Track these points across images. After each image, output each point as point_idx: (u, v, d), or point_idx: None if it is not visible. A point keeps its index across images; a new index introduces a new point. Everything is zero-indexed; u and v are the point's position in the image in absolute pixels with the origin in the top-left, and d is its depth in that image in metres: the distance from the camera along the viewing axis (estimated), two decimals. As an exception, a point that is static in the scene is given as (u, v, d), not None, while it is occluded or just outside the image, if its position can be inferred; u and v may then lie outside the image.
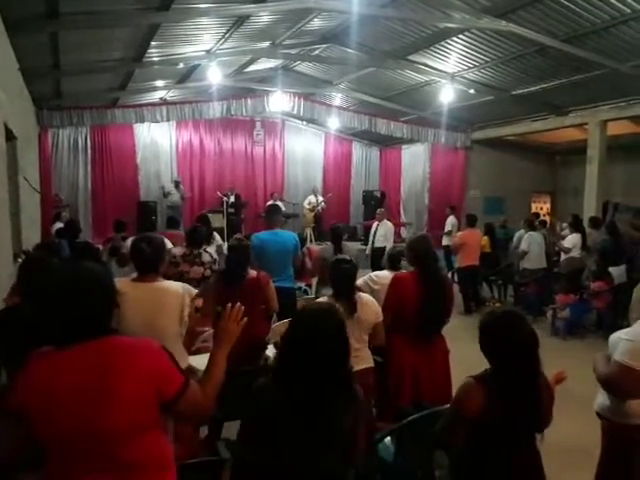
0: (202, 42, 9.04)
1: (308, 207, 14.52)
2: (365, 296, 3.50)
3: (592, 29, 7.32)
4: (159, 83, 11.52)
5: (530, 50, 8.37)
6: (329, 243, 5.77)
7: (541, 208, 14.75)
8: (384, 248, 7.84)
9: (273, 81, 12.03)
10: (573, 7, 6.84)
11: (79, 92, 10.59)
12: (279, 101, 11.82)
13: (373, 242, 9.63)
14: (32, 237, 7.61)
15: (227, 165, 15.38)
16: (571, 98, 10.24)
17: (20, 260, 3.42)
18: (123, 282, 2.72)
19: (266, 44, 10.08)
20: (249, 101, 11.78)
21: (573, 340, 7.23)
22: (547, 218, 12.75)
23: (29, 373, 1.64)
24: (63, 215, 10.28)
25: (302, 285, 6.62)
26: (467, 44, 8.73)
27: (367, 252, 9.74)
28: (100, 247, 6.24)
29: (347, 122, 13.04)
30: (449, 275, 8.27)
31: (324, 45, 10.40)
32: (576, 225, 8.39)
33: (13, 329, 2.30)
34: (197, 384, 1.81)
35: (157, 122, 12.06)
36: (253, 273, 3.97)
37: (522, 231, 9.03)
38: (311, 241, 13.56)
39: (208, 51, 9.45)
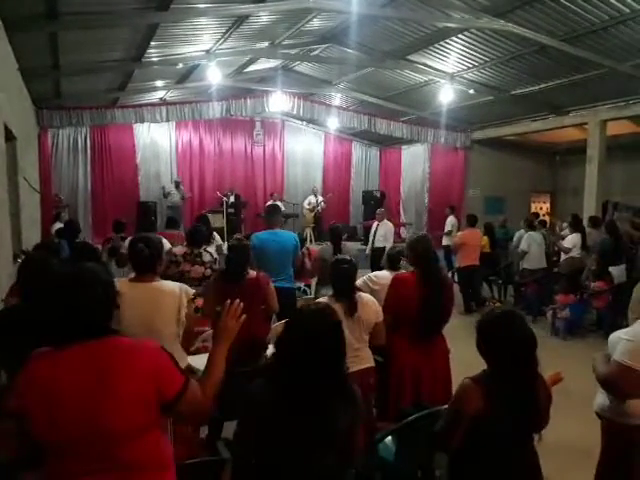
0: (201, 42, 9.04)
1: (308, 207, 14.52)
2: (365, 296, 3.50)
3: (591, 29, 7.32)
4: (159, 83, 11.52)
5: (529, 50, 8.37)
6: (328, 243, 5.77)
7: (541, 208, 14.74)
8: (384, 248, 7.84)
9: (273, 81, 12.03)
10: (572, 7, 6.84)
11: (79, 92, 10.59)
12: (279, 101, 11.82)
13: (373, 242, 9.63)
14: (32, 237, 7.61)
15: (227, 165, 15.39)
16: (570, 98, 10.24)
17: (20, 260, 3.42)
18: (121, 282, 2.72)
19: (265, 44, 10.07)
20: (249, 101, 11.78)
21: (573, 340, 7.23)
22: (547, 218, 12.75)
23: (29, 374, 1.64)
24: (63, 215, 10.28)
25: (301, 285, 6.62)
26: (466, 44, 8.73)
27: (367, 252, 9.73)
28: (99, 247, 6.23)
29: (347, 122, 13.03)
30: (449, 275, 8.27)
31: (324, 45, 10.40)
32: (576, 225, 8.39)
33: (12, 329, 2.29)
34: (197, 384, 1.81)
35: (157, 122, 12.06)
36: (253, 273, 3.97)
37: (522, 231, 9.03)
38: (311, 241, 13.56)
39: (207, 51, 9.45)
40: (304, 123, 16.17)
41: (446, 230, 11.20)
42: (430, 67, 10.03)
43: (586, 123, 10.52)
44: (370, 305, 3.43)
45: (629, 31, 7.22)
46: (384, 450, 2.79)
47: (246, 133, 15.72)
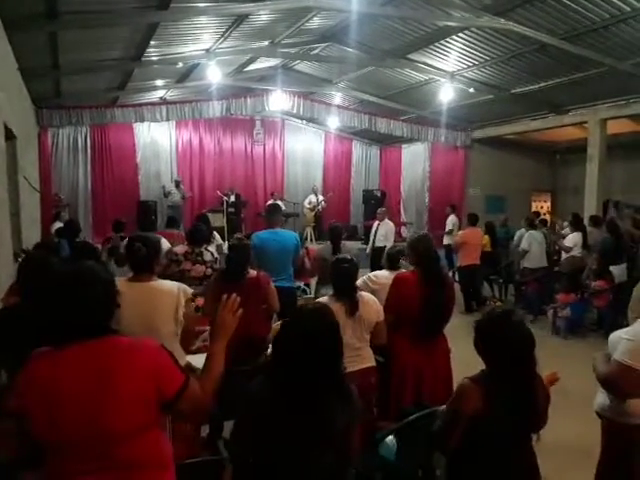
0: (201, 41, 9.04)
1: (308, 206, 14.51)
2: (366, 295, 3.50)
3: (592, 27, 7.31)
4: (158, 82, 11.52)
5: (529, 48, 8.36)
6: (328, 243, 5.76)
7: (541, 207, 14.73)
8: (384, 248, 7.82)
9: (273, 80, 12.03)
10: (572, 5, 6.83)
11: (78, 91, 10.58)
12: (279, 100, 11.81)
13: (374, 242, 9.62)
14: (32, 236, 7.61)
15: (227, 164, 15.39)
16: (571, 96, 10.23)
17: (20, 259, 3.42)
18: (119, 282, 2.72)
19: (265, 43, 10.07)
20: (249, 100, 11.76)
21: (574, 339, 7.22)
22: (547, 217, 12.75)
23: (29, 373, 1.64)
24: (62, 215, 10.28)
25: (300, 284, 6.62)
26: (467, 43, 8.72)
27: (367, 251, 9.73)
28: (99, 247, 6.23)
29: (347, 121, 13.02)
30: (450, 274, 8.26)
31: (324, 44, 10.40)
32: (576, 224, 8.38)
33: (12, 329, 2.29)
34: (196, 381, 1.81)
35: (157, 121, 12.05)
36: (253, 273, 3.97)
37: (523, 230, 9.02)
38: (311, 240, 13.56)
39: (207, 50, 9.44)
40: (304, 122, 16.16)
41: (447, 229, 11.19)
42: (430, 66, 10.03)
43: (586, 122, 10.51)
44: (371, 304, 3.43)
45: (629, 29, 7.21)
46: (385, 449, 2.79)
47: (246, 132, 15.71)
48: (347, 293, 3.34)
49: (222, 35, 8.79)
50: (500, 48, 8.66)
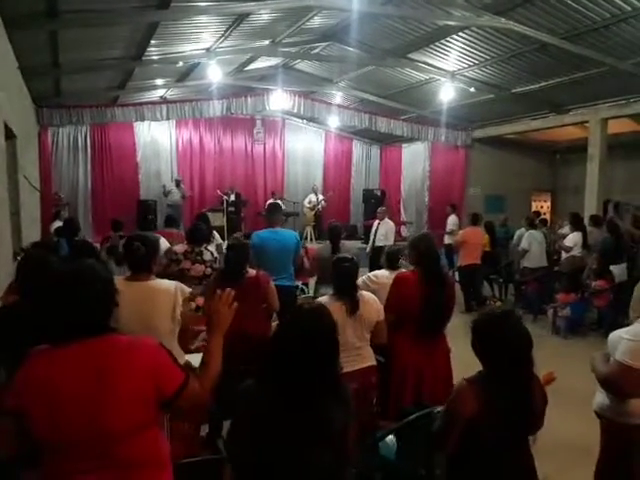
0: (202, 40, 9.03)
1: (308, 206, 14.51)
2: (367, 294, 3.50)
3: (592, 27, 7.30)
4: (159, 81, 11.51)
5: (530, 48, 8.35)
6: (328, 242, 5.76)
7: (541, 206, 14.72)
8: (385, 247, 7.82)
9: (273, 79, 12.02)
10: (573, 4, 6.82)
11: (79, 90, 10.58)
12: (279, 99, 11.80)
13: (374, 241, 9.62)
14: (32, 236, 7.61)
15: (227, 164, 15.39)
16: (571, 96, 10.22)
17: (19, 258, 3.42)
18: (117, 281, 2.72)
19: (266, 42, 10.06)
20: (249, 99, 11.75)
21: (574, 339, 7.22)
22: (547, 216, 12.74)
23: (27, 372, 1.64)
24: (62, 214, 10.26)
25: (298, 284, 6.62)
26: (467, 42, 8.71)
27: (367, 251, 9.72)
28: (98, 246, 6.23)
29: (347, 120, 13.01)
30: (450, 274, 8.26)
31: (324, 43, 10.39)
32: (576, 223, 8.37)
33: (10, 328, 2.29)
34: (195, 378, 1.81)
35: (157, 121, 12.05)
36: (253, 272, 3.97)
37: (523, 229, 9.02)
38: (311, 240, 13.56)
39: (208, 49, 9.44)
40: (304, 121, 16.15)
41: (447, 229, 11.18)
42: (431, 65, 10.02)
43: (587, 121, 10.50)
44: (371, 303, 3.43)
45: (630, 29, 7.20)
46: (385, 449, 2.79)
47: (246, 131, 15.71)
48: (348, 292, 3.34)
49: (222, 34, 8.79)
50: (500, 47, 8.65)
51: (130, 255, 2.95)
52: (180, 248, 4.92)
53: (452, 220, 11.24)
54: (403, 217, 15.95)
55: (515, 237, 9.29)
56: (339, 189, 16.46)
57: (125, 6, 6.73)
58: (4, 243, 5.53)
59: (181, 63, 9.98)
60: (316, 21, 9.08)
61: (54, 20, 6.40)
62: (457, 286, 7.45)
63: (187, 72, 10.83)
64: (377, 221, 9.87)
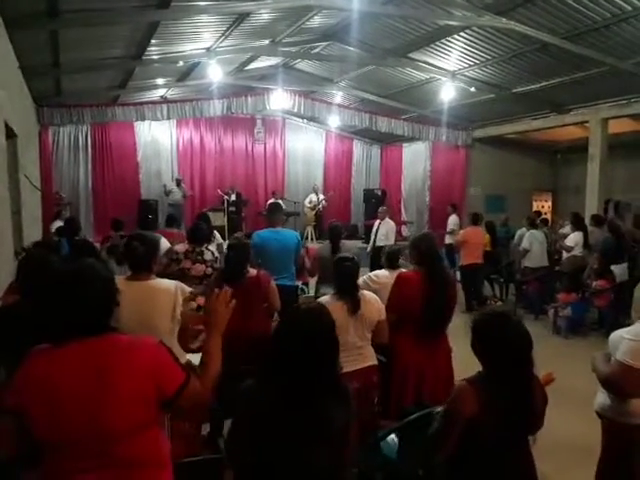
0: (202, 40, 9.03)
1: (309, 205, 14.52)
2: (368, 294, 3.50)
3: (593, 26, 7.30)
4: (159, 81, 11.51)
5: (531, 48, 8.35)
6: (328, 242, 5.76)
7: (542, 206, 14.72)
8: (385, 247, 7.82)
9: (273, 79, 12.01)
10: (574, 4, 6.81)
11: (79, 90, 10.58)
12: (280, 99, 11.79)
13: (374, 241, 9.62)
14: (33, 235, 7.61)
15: (228, 163, 15.38)
16: (572, 96, 10.21)
17: (20, 258, 3.42)
18: (117, 280, 2.72)
19: (266, 42, 10.06)
20: (249, 99, 11.75)
21: (575, 338, 7.22)
22: (548, 216, 12.72)
23: (27, 371, 1.63)
24: (63, 213, 10.26)
25: (298, 284, 6.62)
26: (468, 42, 8.71)
27: (368, 250, 9.72)
28: (98, 245, 6.23)
29: (348, 120, 13.00)
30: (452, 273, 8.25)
31: (325, 43, 10.39)
32: (577, 223, 8.37)
33: (11, 327, 2.29)
34: (196, 378, 1.81)
35: (158, 120, 12.04)
36: (253, 272, 3.97)
37: (524, 229, 9.02)
38: (312, 240, 13.56)
39: (208, 49, 9.44)
40: (305, 121, 16.14)
41: (448, 229, 11.17)
42: (431, 65, 10.01)
43: (587, 121, 10.49)
44: (373, 303, 3.43)
45: (631, 29, 7.20)
46: (386, 448, 2.79)
47: (247, 131, 15.71)
48: (349, 292, 3.35)
49: (223, 34, 8.78)
50: (501, 47, 8.64)
51: (130, 255, 2.95)
52: (181, 248, 4.92)
53: (453, 220, 11.23)
54: (404, 217, 15.94)
55: (516, 237, 9.28)
56: (340, 189, 16.45)
57: (125, 5, 6.73)
58: (5, 242, 5.53)
59: (181, 62, 9.97)
60: (316, 21, 9.07)
61: (55, 20, 6.39)
62: (458, 286, 7.48)
63: (187, 71, 10.82)
64: (378, 221, 9.87)
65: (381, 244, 9.07)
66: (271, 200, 11.83)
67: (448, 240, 10.89)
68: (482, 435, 2.07)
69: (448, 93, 10.13)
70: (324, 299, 3.37)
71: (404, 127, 12.86)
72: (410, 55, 9.79)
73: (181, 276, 4.36)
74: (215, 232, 6.82)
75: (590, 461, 2.73)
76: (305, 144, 16.49)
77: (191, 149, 14.96)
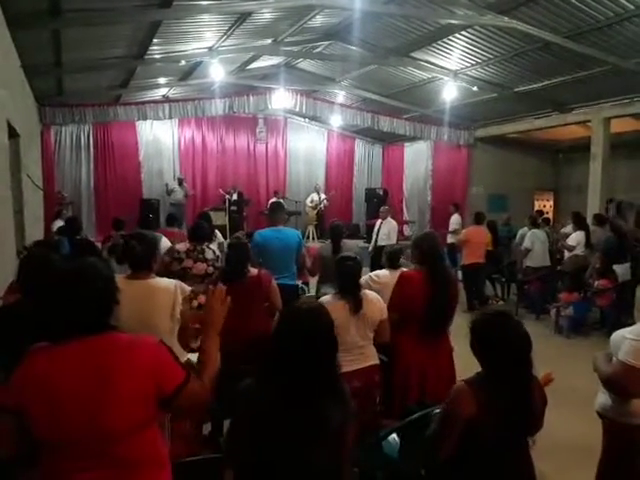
0: (204, 39, 9.03)
1: (310, 205, 14.52)
2: (370, 293, 3.50)
3: (595, 26, 7.28)
4: (161, 80, 11.52)
5: (533, 47, 8.33)
6: (329, 241, 5.75)
7: (544, 206, 14.70)
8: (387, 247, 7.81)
9: (275, 78, 12.01)
10: (576, 3, 6.80)
11: (81, 89, 10.60)
12: (281, 98, 11.79)
13: (376, 240, 9.60)
14: (35, 234, 7.62)
15: (229, 163, 15.39)
16: (574, 95, 10.19)
17: (21, 257, 3.42)
18: (117, 279, 2.72)
19: (268, 41, 10.05)
20: (251, 98, 11.75)
21: (577, 338, 7.21)
22: (550, 216, 12.71)
23: (26, 369, 1.63)
24: (64, 213, 10.26)
25: (298, 283, 6.61)
26: (470, 41, 8.69)
27: (370, 250, 9.71)
28: (99, 245, 6.24)
29: (349, 119, 12.99)
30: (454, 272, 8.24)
31: (326, 42, 10.38)
32: (579, 223, 8.36)
33: (11, 327, 2.29)
34: (195, 377, 1.81)
35: (159, 119, 12.06)
36: (254, 271, 3.97)
37: (525, 229, 9.00)
38: (313, 239, 13.56)
39: (210, 48, 9.44)
40: (307, 120, 16.13)
41: (451, 228, 11.14)
42: (433, 64, 10.00)
43: (590, 120, 10.47)
44: (375, 302, 3.43)
45: (634, 28, 7.18)
46: (388, 448, 2.79)
47: (249, 130, 15.71)
48: (351, 291, 3.35)
49: (225, 33, 8.78)
50: (503, 46, 8.63)
51: (128, 254, 2.96)
52: (182, 247, 4.91)
53: (455, 219, 11.21)
54: (406, 216, 15.93)
55: (518, 236, 9.27)
56: (341, 188, 16.45)
57: (127, 5, 6.74)
58: (8, 241, 5.54)
59: (183, 62, 9.97)
60: (318, 20, 9.07)
61: (57, 19, 6.40)
62: (460, 285, 7.47)
63: (189, 71, 10.83)
64: (380, 220, 9.86)
65: (383, 244, 9.05)
66: (273, 199, 11.84)
67: (450, 239, 10.88)
68: (481, 436, 2.06)
69: (450, 92, 10.12)
70: (326, 298, 3.37)
71: (406, 126, 12.85)
72: (412, 54, 9.78)
73: (183, 275, 4.36)
74: (216, 231, 6.82)
75: (591, 461, 2.72)
76: (307, 143, 16.48)
77: (193, 148, 14.97)
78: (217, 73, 9.59)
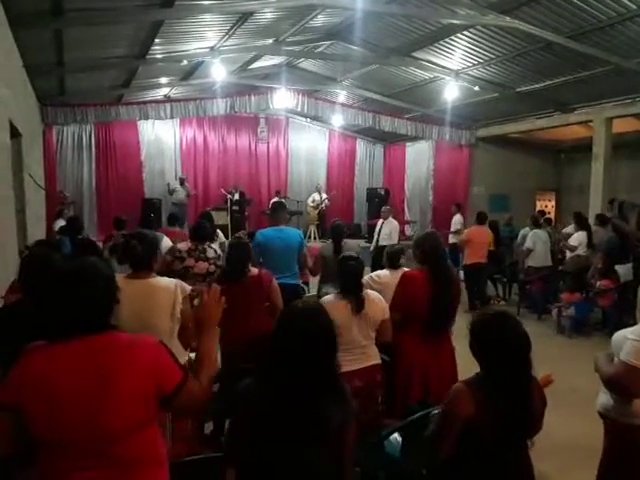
0: (206, 39, 9.04)
1: (312, 205, 14.52)
2: (372, 293, 3.50)
3: (597, 25, 7.28)
4: (163, 80, 11.53)
5: (535, 47, 8.33)
6: (330, 241, 5.75)
7: (546, 206, 14.68)
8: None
9: (277, 78, 12.02)
10: (578, 3, 6.80)
11: (83, 89, 10.61)
12: (283, 98, 11.80)
13: (378, 240, 9.60)
14: (37, 234, 7.63)
15: (231, 162, 15.41)
16: (576, 95, 10.18)
17: (23, 256, 3.43)
18: (118, 278, 2.73)
19: (270, 41, 10.06)
20: (253, 98, 11.75)
21: (579, 338, 7.19)
22: (552, 216, 12.69)
23: (24, 367, 1.62)
24: (65, 212, 10.28)
25: (299, 283, 6.60)
26: (471, 41, 8.69)
27: (371, 250, 9.70)
28: (101, 244, 6.24)
29: (351, 119, 13.00)
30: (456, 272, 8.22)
31: (328, 42, 10.39)
32: (580, 223, 8.34)
33: (12, 326, 2.29)
34: (194, 376, 1.81)
35: (161, 119, 12.09)
36: (255, 271, 3.97)
37: (527, 229, 8.99)
38: (315, 239, 13.56)
39: (212, 48, 9.45)
40: (308, 120, 16.14)
41: (453, 228, 11.10)
42: (435, 64, 10.00)
43: (592, 120, 10.47)
44: (377, 302, 3.43)
45: (636, 28, 7.17)
46: (390, 447, 2.79)
47: (250, 130, 15.72)
48: (353, 291, 3.34)
49: (227, 33, 8.79)
50: (505, 46, 8.62)
51: (129, 253, 2.96)
52: (184, 246, 4.92)
53: (457, 219, 11.18)
54: (407, 216, 15.92)
55: (519, 236, 9.25)
56: (343, 188, 16.45)
57: (129, 4, 6.75)
58: (10, 241, 5.55)
59: (185, 62, 9.98)
60: (320, 20, 9.07)
61: (59, 18, 6.41)
62: (462, 285, 7.46)
63: (191, 71, 10.84)
64: (381, 220, 9.85)
65: (384, 243, 9.01)
66: (274, 199, 11.85)
67: (452, 239, 10.86)
68: (480, 436, 2.06)
69: (452, 92, 10.12)
70: (328, 298, 3.37)
71: (407, 126, 12.85)
72: (414, 54, 9.78)
73: (184, 274, 4.36)
74: (218, 231, 6.83)
75: (592, 462, 2.72)
76: (308, 143, 16.49)
77: (194, 148, 14.99)
78: (219, 73, 9.60)
